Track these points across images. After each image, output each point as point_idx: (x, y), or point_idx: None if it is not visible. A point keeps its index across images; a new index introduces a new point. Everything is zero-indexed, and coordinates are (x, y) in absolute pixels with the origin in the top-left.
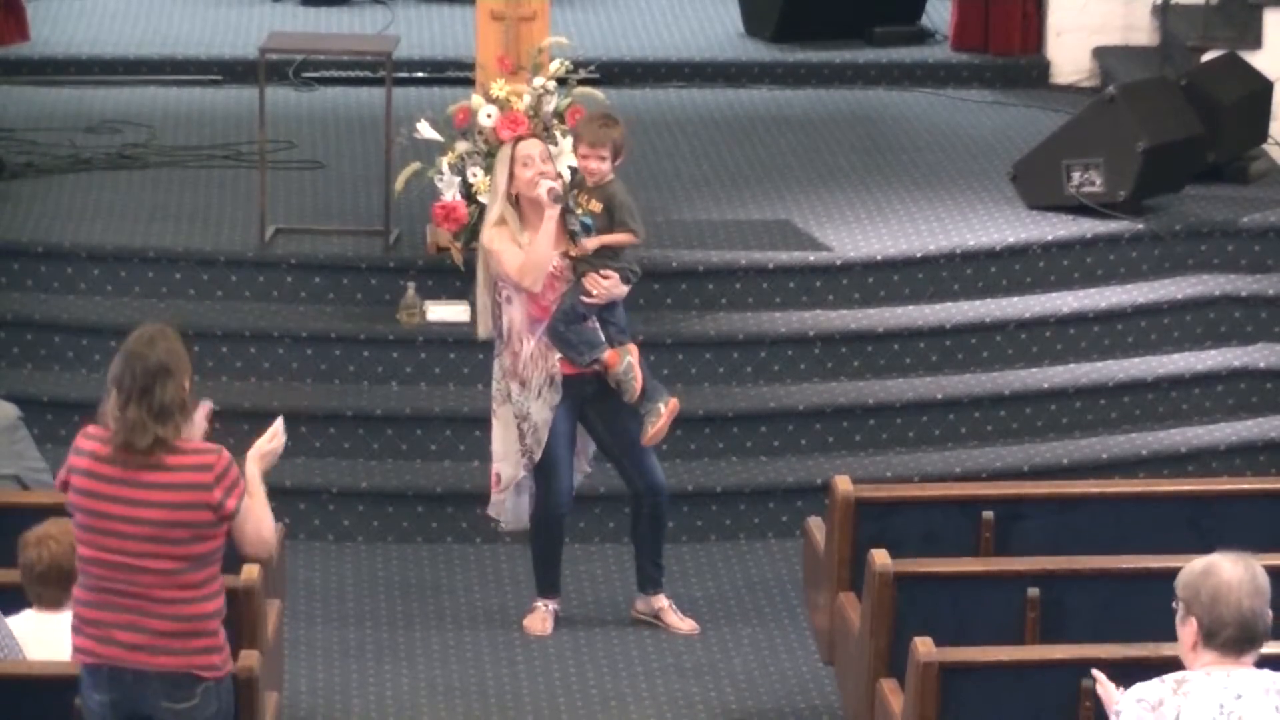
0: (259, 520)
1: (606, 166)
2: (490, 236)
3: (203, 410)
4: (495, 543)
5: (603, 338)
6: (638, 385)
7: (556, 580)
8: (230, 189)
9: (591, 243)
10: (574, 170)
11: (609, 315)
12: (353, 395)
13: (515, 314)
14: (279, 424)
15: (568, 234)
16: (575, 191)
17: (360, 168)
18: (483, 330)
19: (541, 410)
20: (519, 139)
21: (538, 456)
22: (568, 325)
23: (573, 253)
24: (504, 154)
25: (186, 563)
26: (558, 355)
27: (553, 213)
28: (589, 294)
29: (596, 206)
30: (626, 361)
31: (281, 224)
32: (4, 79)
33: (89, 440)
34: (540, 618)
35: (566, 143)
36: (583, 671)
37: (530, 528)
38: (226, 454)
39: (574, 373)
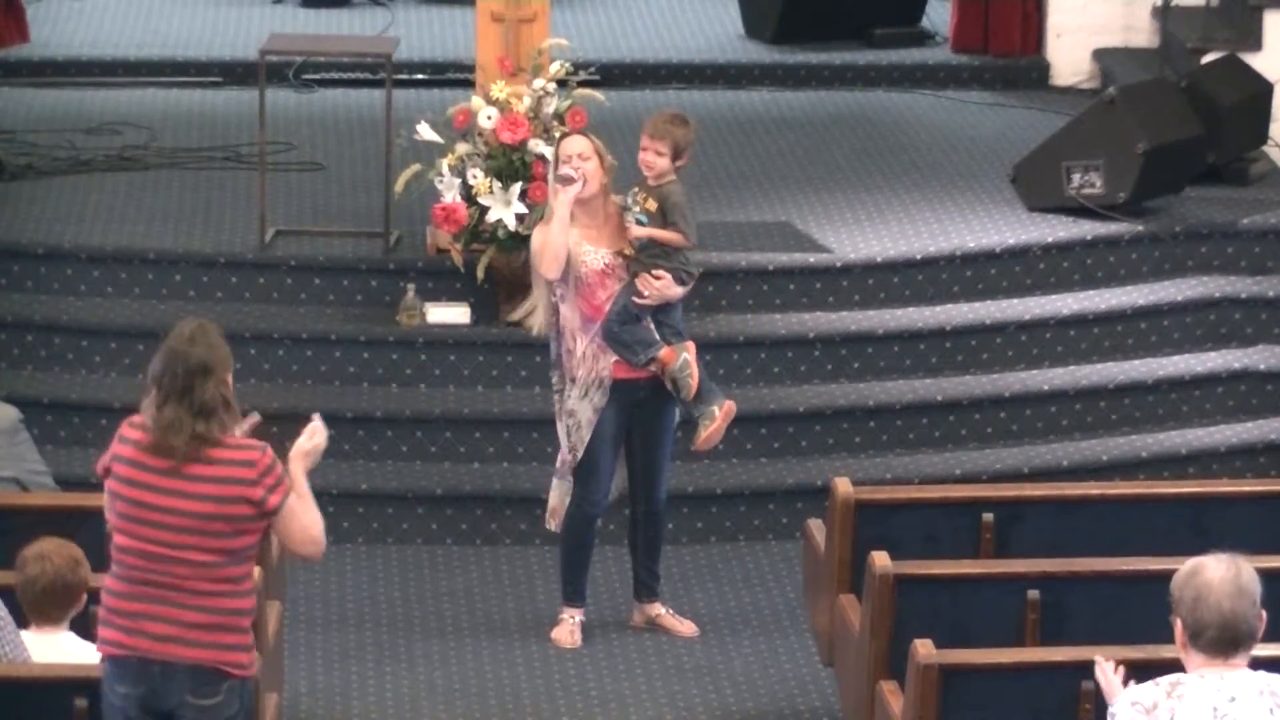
0: (306, 520)
1: (664, 164)
2: (535, 235)
3: (248, 423)
4: (495, 545)
5: (657, 337)
6: (694, 383)
7: (583, 588)
8: (230, 191)
9: (639, 231)
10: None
11: (664, 316)
12: (352, 397)
13: (568, 312)
14: (317, 422)
15: (624, 231)
16: (636, 189)
17: (360, 169)
18: (538, 327)
19: (585, 410)
20: (564, 134)
21: (580, 455)
22: (622, 325)
23: (627, 250)
24: (554, 152)
25: (224, 556)
26: (612, 358)
27: (564, 197)
28: (641, 294)
29: (651, 205)
30: (683, 359)
31: (281, 226)
32: (4, 80)
33: (134, 429)
34: (568, 629)
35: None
36: (582, 673)
37: (562, 530)
38: (270, 451)
39: (628, 376)
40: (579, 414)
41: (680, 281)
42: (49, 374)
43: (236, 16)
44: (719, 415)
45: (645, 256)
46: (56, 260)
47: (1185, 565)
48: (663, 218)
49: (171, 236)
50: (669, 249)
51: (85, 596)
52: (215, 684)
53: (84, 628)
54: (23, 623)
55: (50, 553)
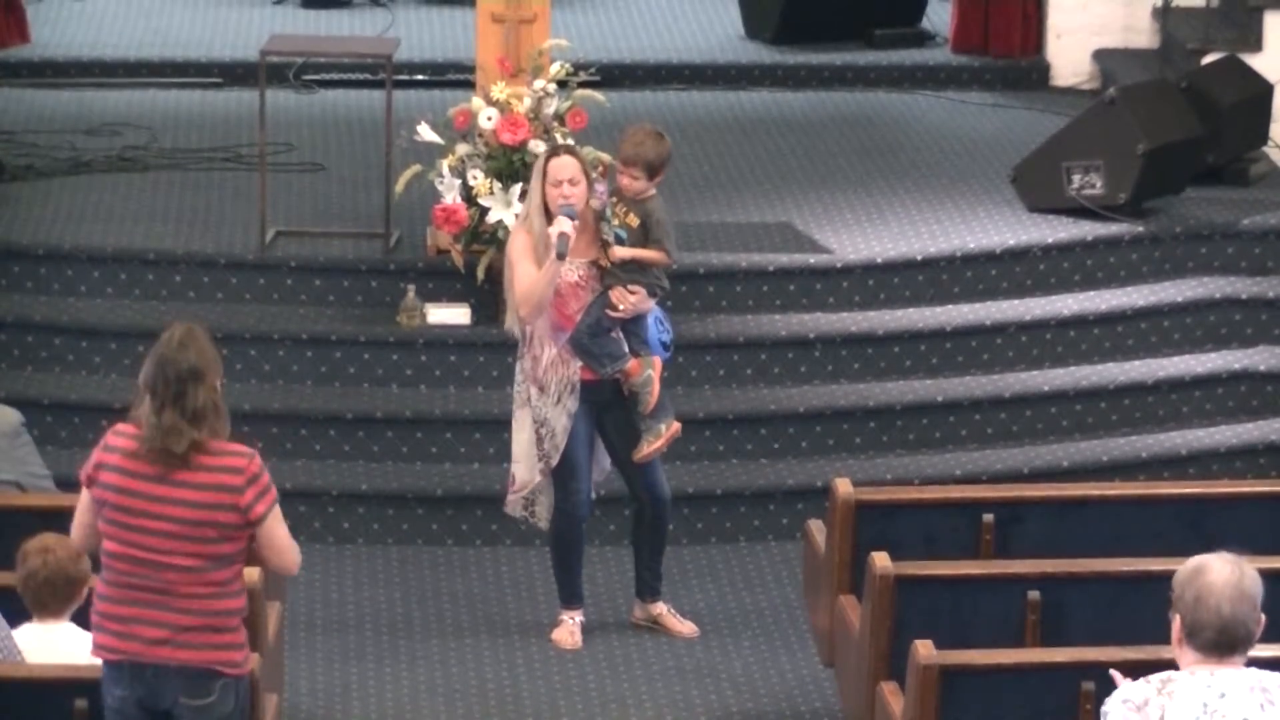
0: (284, 542)
1: (640, 184)
2: (513, 242)
3: None
4: (495, 545)
5: (626, 349)
6: (652, 399)
7: (578, 589)
8: (230, 191)
9: (622, 252)
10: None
11: (633, 327)
12: (353, 397)
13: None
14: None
15: (599, 242)
16: (614, 201)
17: (360, 170)
18: (506, 324)
19: (560, 416)
20: (553, 153)
21: (555, 461)
22: (592, 338)
23: (603, 262)
24: (538, 165)
25: (210, 561)
26: (579, 362)
27: (562, 257)
28: (614, 308)
29: (633, 221)
30: (647, 374)
31: (282, 226)
32: (4, 81)
33: (120, 437)
34: (568, 630)
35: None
36: (583, 674)
37: (550, 533)
38: (258, 458)
39: (593, 379)
40: (552, 421)
41: (652, 294)
42: (49, 375)
43: (236, 17)
44: (664, 434)
45: (621, 270)
46: (56, 260)
47: (1189, 563)
48: (643, 233)
49: (171, 237)
50: (647, 264)
51: (86, 590)
52: (208, 684)
53: (85, 621)
54: (24, 616)
55: (52, 545)
